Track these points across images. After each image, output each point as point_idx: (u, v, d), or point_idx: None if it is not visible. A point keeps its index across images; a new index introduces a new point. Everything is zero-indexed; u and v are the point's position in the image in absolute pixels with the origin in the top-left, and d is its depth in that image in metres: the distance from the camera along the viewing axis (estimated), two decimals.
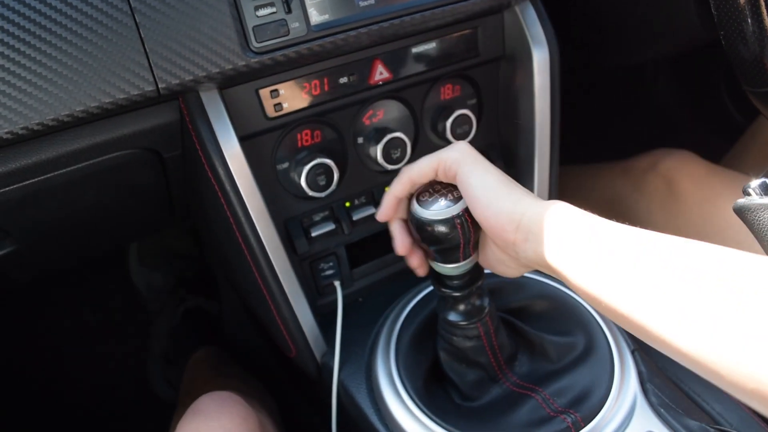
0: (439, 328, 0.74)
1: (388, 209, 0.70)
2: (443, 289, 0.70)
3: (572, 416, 0.69)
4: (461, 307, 0.70)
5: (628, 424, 0.70)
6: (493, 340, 0.72)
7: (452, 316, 0.71)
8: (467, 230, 0.64)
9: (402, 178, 0.68)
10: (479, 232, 0.65)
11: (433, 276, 0.71)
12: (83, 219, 0.89)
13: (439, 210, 0.64)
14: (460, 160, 0.64)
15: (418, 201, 0.66)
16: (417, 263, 0.72)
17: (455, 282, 0.69)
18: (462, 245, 0.65)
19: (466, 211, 0.64)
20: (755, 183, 0.57)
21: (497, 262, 0.65)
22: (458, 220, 0.63)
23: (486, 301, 0.71)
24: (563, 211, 0.57)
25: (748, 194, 0.57)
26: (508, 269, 0.65)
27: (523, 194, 0.61)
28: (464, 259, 0.67)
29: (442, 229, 0.64)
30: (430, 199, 0.66)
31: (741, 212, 0.57)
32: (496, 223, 0.60)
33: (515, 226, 0.58)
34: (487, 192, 0.61)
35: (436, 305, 0.74)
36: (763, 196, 0.56)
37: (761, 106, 0.81)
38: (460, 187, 0.64)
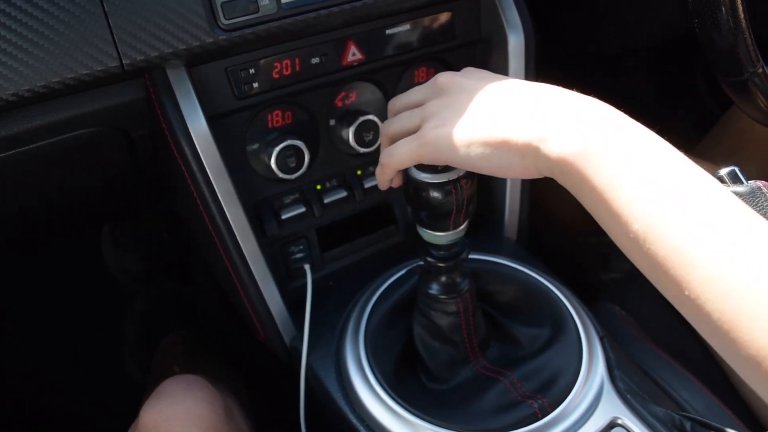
0: (418, 303, 0.73)
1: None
2: (428, 258, 0.68)
3: (539, 401, 0.69)
4: (443, 279, 0.70)
5: (594, 410, 0.70)
6: (470, 318, 0.72)
7: (433, 289, 0.70)
8: (461, 198, 0.61)
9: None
10: (474, 202, 0.63)
11: (419, 244, 0.70)
12: (50, 198, 0.87)
13: (434, 174, 0.61)
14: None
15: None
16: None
17: (441, 252, 0.68)
18: (453, 214, 0.63)
19: (464, 177, 0.61)
20: (724, 171, 0.57)
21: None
22: (453, 187, 0.61)
23: (467, 281, 0.71)
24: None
25: None
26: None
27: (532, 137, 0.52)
28: (454, 228, 0.65)
29: (436, 194, 0.61)
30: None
31: None
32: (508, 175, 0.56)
33: (534, 171, 0.53)
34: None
35: (418, 281, 0.74)
36: (732, 185, 0.57)
37: (733, 96, 0.81)
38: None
